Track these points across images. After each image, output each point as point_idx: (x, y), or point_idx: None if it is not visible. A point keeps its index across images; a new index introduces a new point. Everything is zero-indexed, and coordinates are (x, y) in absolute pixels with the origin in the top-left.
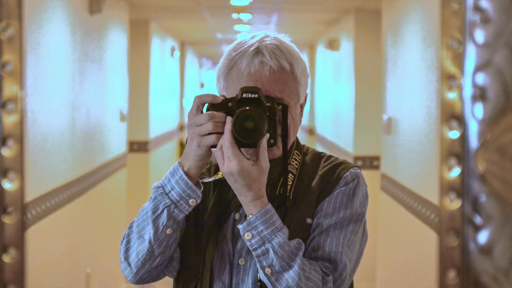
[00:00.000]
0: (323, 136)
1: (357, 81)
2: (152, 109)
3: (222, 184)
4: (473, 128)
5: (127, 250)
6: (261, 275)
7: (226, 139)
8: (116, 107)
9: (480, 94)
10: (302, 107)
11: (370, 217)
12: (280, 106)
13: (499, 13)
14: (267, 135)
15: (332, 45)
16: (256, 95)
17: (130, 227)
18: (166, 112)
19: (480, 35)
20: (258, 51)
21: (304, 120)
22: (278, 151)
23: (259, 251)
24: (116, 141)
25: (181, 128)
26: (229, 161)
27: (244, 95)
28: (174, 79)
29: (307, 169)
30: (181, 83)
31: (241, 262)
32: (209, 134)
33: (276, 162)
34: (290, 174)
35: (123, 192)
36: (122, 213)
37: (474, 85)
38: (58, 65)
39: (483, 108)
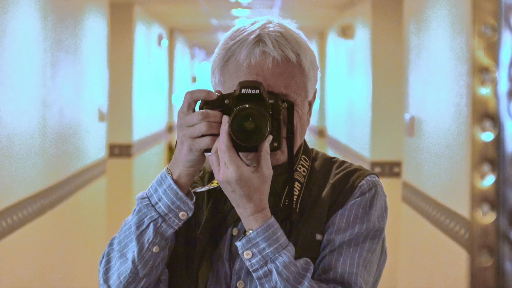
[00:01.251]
0: (335, 139)
1: (374, 75)
2: (136, 107)
3: (217, 195)
4: (510, 129)
5: (107, 271)
6: None
7: (222, 142)
8: (94, 104)
9: None
10: (310, 104)
11: (389, 232)
12: (285, 103)
13: None
14: (270, 137)
15: (346, 32)
16: (257, 91)
17: (111, 244)
18: (153, 111)
19: None
20: (259, 39)
21: (313, 120)
22: (282, 156)
23: (260, 272)
24: (94, 144)
25: (169, 129)
26: (225, 168)
27: (243, 90)
28: (162, 72)
29: (316, 177)
30: (170, 77)
31: (240, 285)
32: (203, 136)
33: (281, 169)
34: (296, 183)
35: (102, 203)
36: (101, 228)
37: (511, 79)
38: (27, 55)
39: None
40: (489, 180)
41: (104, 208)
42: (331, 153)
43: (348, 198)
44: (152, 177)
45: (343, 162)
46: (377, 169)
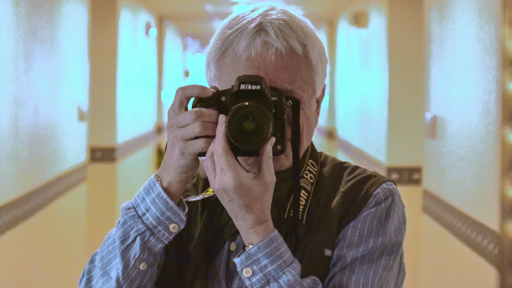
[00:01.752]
0: (346, 141)
1: (391, 68)
2: (120, 105)
3: (213, 205)
4: None
5: None
6: None
7: (219, 145)
8: (73, 102)
9: None
10: (318, 102)
11: (408, 247)
12: (290, 101)
13: None
14: (273, 139)
15: (359, 20)
16: (258, 87)
17: (92, 261)
18: (140, 109)
19: None
20: (260, 28)
21: (321, 120)
22: (287, 161)
23: None
24: (73, 147)
25: (159, 130)
26: (222, 174)
27: (242, 86)
28: (150, 65)
29: (325, 184)
30: (159, 71)
31: None
32: (196, 138)
33: (285, 175)
34: (303, 191)
35: (83, 214)
36: (81, 243)
37: None
38: None
39: None
40: None
41: (84, 219)
42: (342, 157)
43: (361, 209)
44: (139, 184)
45: (356, 167)
46: (394, 176)
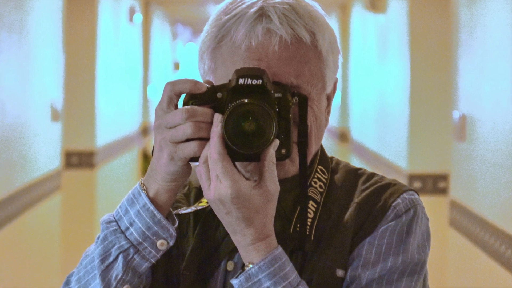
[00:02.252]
0: (361, 144)
1: (413, 60)
2: (100, 103)
3: (207, 218)
4: None
5: None
6: None
7: (214, 149)
8: (45, 99)
9: None
10: (329, 99)
11: (433, 266)
12: (296, 97)
13: None
14: (276, 142)
15: (376, 4)
16: (260, 81)
17: (67, 282)
18: (122, 108)
19: None
20: (262, 13)
21: (332, 120)
22: (293, 167)
23: None
24: (45, 151)
25: (144, 131)
26: (218, 182)
27: (241, 80)
28: (135, 56)
29: (337, 194)
30: (145, 63)
31: None
32: (188, 140)
33: (290, 184)
34: (311, 202)
35: (56, 228)
36: (54, 261)
37: None
38: None
39: None
40: None
41: (58, 234)
42: (356, 163)
43: (378, 222)
44: (121, 194)
45: (372, 174)
46: (417, 184)
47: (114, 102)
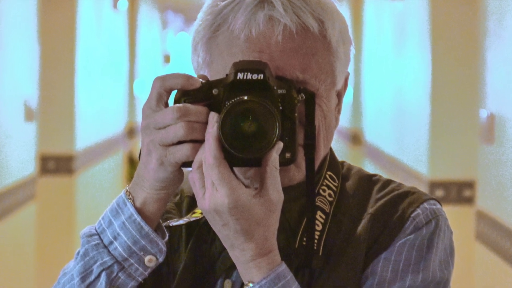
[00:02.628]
0: (375, 147)
1: (434, 52)
2: (80, 101)
3: (201, 231)
4: None
5: None
6: None
7: (209, 152)
8: (18, 97)
9: None
10: (340, 96)
11: (457, 285)
12: (303, 94)
13: None
14: (280, 144)
15: None
16: (261, 76)
17: None
18: (105, 106)
19: None
20: None
21: (343, 120)
22: (298, 173)
23: None
24: (18, 156)
25: (130, 132)
26: (213, 190)
27: (240, 75)
28: (119, 48)
29: (348, 203)
30: (131, 56)
31: None
32: (180, 143)
33: (296, 192)
34: (319, 213)
35: (31, 242)
36: (29, 279)
37: None
38: None
39: None
40: None
41: (33, 249)
42: (370, 168)
43: (395, 235)
44: (104, 203)
45: (388, 181)
46: (439, 193)
47: (96, 99)
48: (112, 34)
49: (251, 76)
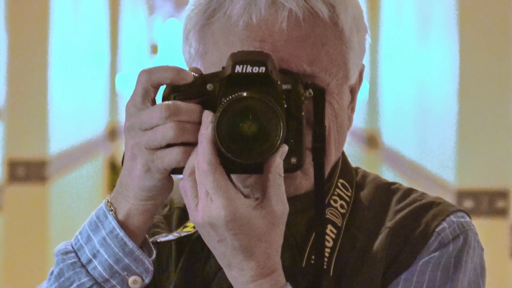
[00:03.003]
0: (395, 151)
1: (463, 41)
2: (55, 98)
3: (193, 247)
4: None
5: None
6: None
7: (203, 157)
8: None
9: None
10: (354, 92)
11: None
12: (311, 90)
13: None
14: (285, 148)
15: None
16: (263, 69)
17: None
18: (83, 104)
19: None
20: None
21: (357, 119)
22: (306, 181)
23: None
24: None
25: (112, 134)
26: (208, 201)
27: (239, 68)
28: (99, 37)
29: (363, 216)
30: (113, 46)
31: None
32: (169, 146)
33: (303, 203)
34: (330, 227)
35: None
36: None
37: None
38: None
39: None
40: None
41: (0, 266)
42: (389, 175)
43: (418, 253)
44: (82, 216)
45: (410, 191)
46: (468, 203)
47: (73, 96)
48: (91, 20)
49: (251, 69)
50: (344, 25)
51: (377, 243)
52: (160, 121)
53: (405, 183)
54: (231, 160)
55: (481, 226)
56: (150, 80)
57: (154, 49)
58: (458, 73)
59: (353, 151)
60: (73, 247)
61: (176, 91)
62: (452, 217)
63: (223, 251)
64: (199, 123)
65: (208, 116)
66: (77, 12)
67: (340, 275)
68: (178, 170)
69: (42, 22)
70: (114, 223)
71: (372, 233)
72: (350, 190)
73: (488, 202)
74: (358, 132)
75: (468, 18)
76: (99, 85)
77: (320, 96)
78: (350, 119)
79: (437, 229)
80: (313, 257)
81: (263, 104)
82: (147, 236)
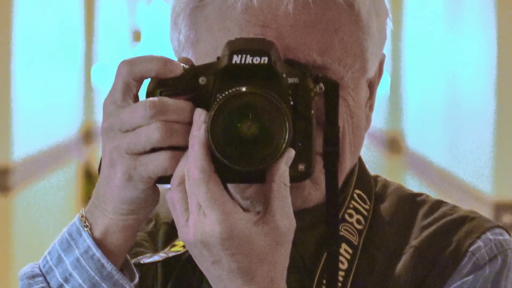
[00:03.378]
0: (421, 156)
1: (501, 30)
2: (19, 97)
3: (183, 270)
4: None
5: None
6: None
7: (195, 164)
8: None
9: None
10: (372, 87)
11: None
12: (321, 84)
13: None
14: (291, 153)
15: None
16: (265, 59)
17: None
18: (53, 102)
19: None
20: None
21: (377, 119)
22: (316, 191)
23: None
24: None
25: (87, 136)
26: (200, 215)
27: (236, 58)
28: (72, 23)
29: (384, 233)
30: (88, 33)
31: None
32: (154, 150)
33: (313, 217)
34: (344, 246)
35: None
36: None
37: None
38: None
39: None
40: None
41: None
42: (413, 185)
43: (449, 277)
44: (51, 232)
45: (439, 203)
46: (507, 218)
47: (41, 93)
48: (62, 4)
49: (252, 60)
50: (361, 7)
51: (400, 265)
52: (143, 121)
53: (433, 194)
54: (228, 167)
55: None
56: (132, 73)
57: (136, 36)
58: (496, 65)
59: (372, 157)
60: (41, 270)
61: (162, 86)
62: (488, 234)
63: (219, 274)
64: (190, 123)
65: (200, 115)
66: None
67: None
68: (165, 179)
69: (4, 6)
70: (89, 242)
71: (394, 253)
72: (368, 203)
73: None
74: (378, 134)
75: (505, 6)
76: (72, 79)
77: (332, 91)
78: (368, 119)
79: (470, 249)
80: (324, 281)
81: (266, 101)
82: (128, 256)
